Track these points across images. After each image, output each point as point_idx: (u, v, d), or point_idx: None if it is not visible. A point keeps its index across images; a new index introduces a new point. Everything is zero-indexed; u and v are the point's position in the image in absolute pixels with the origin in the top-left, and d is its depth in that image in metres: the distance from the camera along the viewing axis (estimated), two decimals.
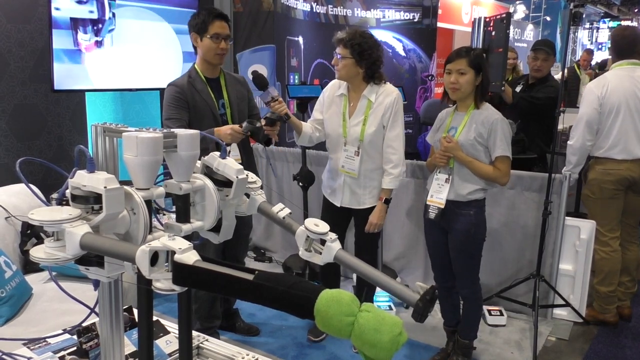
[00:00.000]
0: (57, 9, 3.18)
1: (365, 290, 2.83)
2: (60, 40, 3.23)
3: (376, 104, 2.72)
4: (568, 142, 3.30)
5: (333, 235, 1.10)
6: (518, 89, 4.00)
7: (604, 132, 3.17)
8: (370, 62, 2.67)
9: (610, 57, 3.54)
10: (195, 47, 2.72)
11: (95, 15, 3.41)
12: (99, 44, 3.46)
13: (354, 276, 3.64)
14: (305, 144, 2.93)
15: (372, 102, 2.72)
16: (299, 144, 2.97)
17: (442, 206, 2.61)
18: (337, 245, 1.09)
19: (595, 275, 3.34)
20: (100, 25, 3.45)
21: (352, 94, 2.79)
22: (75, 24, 3.31)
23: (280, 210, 1.18)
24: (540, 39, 10.80)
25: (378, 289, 3.32)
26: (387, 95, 2.72)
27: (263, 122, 2.52)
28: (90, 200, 0.94)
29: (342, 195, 2.83)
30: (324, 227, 1.09)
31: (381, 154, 2.76)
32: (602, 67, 9.03)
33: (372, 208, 2.79)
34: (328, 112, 2.83)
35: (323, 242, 1.10)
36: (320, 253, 1.10)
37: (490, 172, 2.57)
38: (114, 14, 3.52)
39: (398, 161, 2.73)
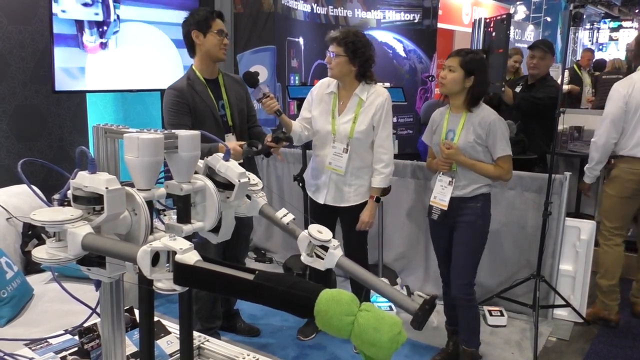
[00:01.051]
0: (63, 11, 3.20)
1: (365, 290, 2.83)
2: (63, 42, 3.24)
3: (367, 103, 2.74)
4: (592, 139, 3.34)
5: (335, 242, 1.10)
6: (517, 89, 4.01)
7: (630, 131, 3.21)
8: (363, 60, 2.70)
9: (629, 60, 3.59)
10: (191, 48, 2.70)
11: (100, 18, 3.42)
12: (103, 45, 3.48)
13: None
14: (295, 143, 2.95)
15: (364, 100, 2.74)
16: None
17: (445, 208, 2.62)
18: (339, 252, 1.10)
19: (598, 270, 3.36)
20: (105, 28, 3.46)
21: (342, 92, 2.80)
22: (81, 25, 3.33)
23: (284, 215, 1.18)
24: (540, 39, 10.79)
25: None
26: (378, 95, 2.75)
27: (269, 138, 2.53)
28: (92, 201, 0.94)
29: (327, 193, 2.85)
30: (327, 234, 1.10)
31: (368, 152, 2.79)
32: (597, 67, 8.78)
33: (357, 205, 2.81)
34: (317, 109, 2.85)
35: (325, 247, 1.11)
36: (322, 258, 1.11)
37: (493, 171, 2.59)
38: (118, 16, 3.53)
39: (389, 161, 2.77)
